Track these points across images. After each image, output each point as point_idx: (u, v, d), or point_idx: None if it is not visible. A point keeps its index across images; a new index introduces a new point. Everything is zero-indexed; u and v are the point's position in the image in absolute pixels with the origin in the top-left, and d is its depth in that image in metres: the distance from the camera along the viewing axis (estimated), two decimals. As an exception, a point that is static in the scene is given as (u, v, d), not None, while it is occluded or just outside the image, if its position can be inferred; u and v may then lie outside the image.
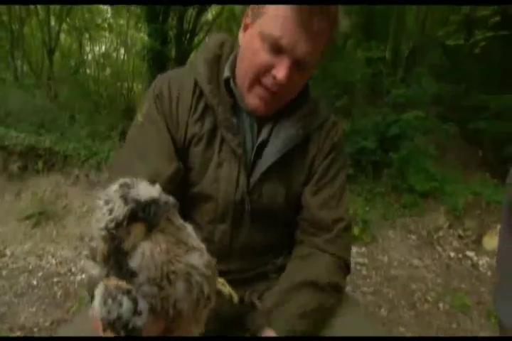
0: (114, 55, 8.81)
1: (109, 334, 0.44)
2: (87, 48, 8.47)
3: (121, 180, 0.45)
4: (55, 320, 1.90)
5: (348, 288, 2.22)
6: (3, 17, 6.74)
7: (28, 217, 2.84)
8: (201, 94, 0.80)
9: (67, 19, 7.52)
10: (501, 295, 0.90)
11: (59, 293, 2.13)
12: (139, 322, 0.43)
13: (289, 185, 0.85)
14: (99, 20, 8.44)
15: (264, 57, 0.72)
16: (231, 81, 0.81)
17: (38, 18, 7.05)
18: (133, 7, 5.62)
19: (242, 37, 0.78)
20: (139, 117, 0.82)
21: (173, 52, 5.08)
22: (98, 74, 8.24)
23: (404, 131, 3.47)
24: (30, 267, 2.45)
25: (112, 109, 5.56)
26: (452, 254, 2.78)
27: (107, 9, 8.25)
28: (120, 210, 0.42)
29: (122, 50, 8.67)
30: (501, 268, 0.91)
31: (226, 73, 0.81)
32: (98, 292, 0.44)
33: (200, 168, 0.81)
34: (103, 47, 8.77)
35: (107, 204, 0.43)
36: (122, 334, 0.43)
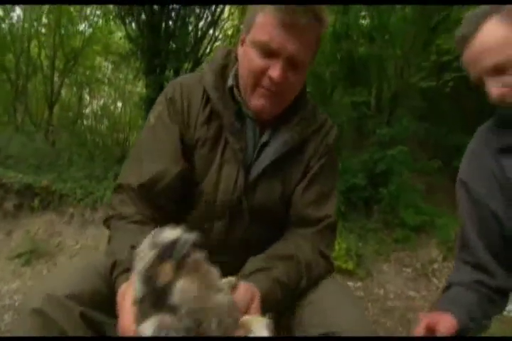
0: (112, 107, 9.41)
1: None
2: (86, 101, 9.09)
3: (152, 232, 0.54)
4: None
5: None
6: (10, 74, 7.33)
7: (19, 255, 2.89)
8: (208, 100, 0.89)
9: (70, 75, 8.18)
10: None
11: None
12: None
13: (285, 184, 0.91)
14: (100, 75, 9.17)
15: (258, 62, 0.81)
16: (235, 89, 0.89)
17: (43, 74, 7.67)
18: (132, 61, 6.20)
19: (240, 50, 0.88)
20: (151, 119, 0.92)
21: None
22: (95, 126, 8.70)
23: (391, 167, 3.69)
24: (16, 304, 2.44)
25: (107, 157, 5.81)
26: (448, 285, 2.82)
27: (107, 65, 9.02)
28: (148, 255, 0.51)
29: (119, 104, 9.30)
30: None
31: (230, 82, 0.90)
32: (150, 324, 0.51)
33: (203, 168, 0.89)
34: (101, 101, 9.40)
35: (139, 252, 0.53)
36: None
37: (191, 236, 0.53)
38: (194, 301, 0.51)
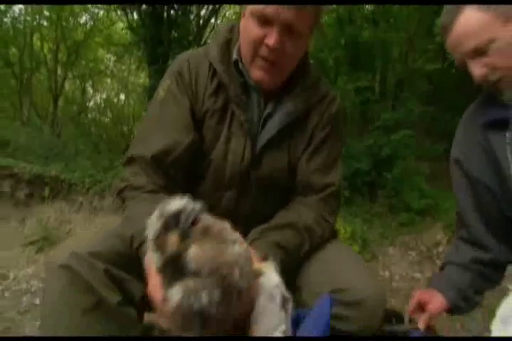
0: (115, 100, 9.46)
1: (185, 324, 0.55)
2: (90, 94, 9.16)
3: (162, 202, 0.55)
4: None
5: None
6: (14, 68, 7.41)
7: (32, 243, 2.99)
8: (215, 73, 0.91)
9: (73, 68, 8.24)
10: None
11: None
12: (212, 310, 0.53)
13: (291, 153, 0.93)
14: (102, 67, 9.21)
15: (255, 30, 0.83)
16: (239, 62, 0.91)
17: (47, 67, 7.74)
18: (135, 51, 6.23)
19: (241, 23, 0.91)
20: (161, 92, 0.93)
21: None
22: (99, 118, 8.78)
23: (395, 151, 3.71)
24: (33, 289, 2.54)
25: (112, 147, 5.89)
26: (452, 265, 2.87)
27: (110, 57, 9.05)
28: (156, 224, 0.53)
29: (122, 96, 9.34)
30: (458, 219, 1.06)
31: (235, 55, 0.92)
32: (176, 291, 0.52)
33: (212, 140, 0.90)
34: (105, 94, 9.45)
35: (149, 223, 0.55)
36: (198, 324, 0.54)
37: (196, 206, 0.55)
38: (212, 261, 0.53)
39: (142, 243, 0.71)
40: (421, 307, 1.01)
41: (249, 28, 0.85)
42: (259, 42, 0.84)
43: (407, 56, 4.49)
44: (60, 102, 7.89)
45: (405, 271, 2.87)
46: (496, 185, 0.97)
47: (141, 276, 0.72)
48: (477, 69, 0.89)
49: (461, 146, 1.03)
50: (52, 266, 0.73)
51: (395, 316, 1.34)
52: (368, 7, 5.25)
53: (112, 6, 6.52)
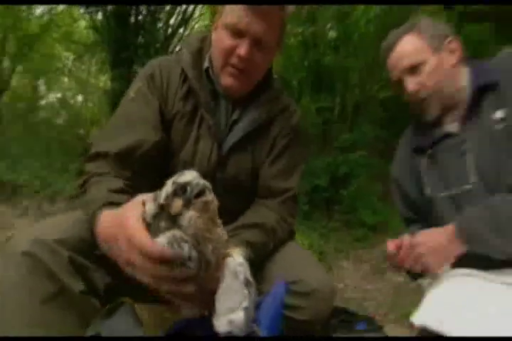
0: (72, 101, 8.97)
1: (163, 267, 0.59)
2: (42, 92, 8.59)
3: (180, 172, 0.63)
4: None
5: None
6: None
7: (-32, 247, 2.72)
8: (186, 78, 0.98)
9: (23, 61, 7.68)
10: None
11: None
12: (191, 264, 0.60)
13: (254, 158, 1.01)
14: (60, 65, 8.73)
15: (228, 42, 0.92)
16: (210, 70, 0.99)
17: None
18: (97, 52, 6.02)
19: (214, 35, 0.99)
20: (131, 93, 0.97)
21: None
22: (52, 119, 8.25)
23: (352, 170, 3.94)
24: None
25: (67, 150, 5.57)
26: (401, 279, 3.05)
27: (68, 56, 8.64)
28: (167, 190, 0.61)
29: (80, 97, 8.88)
30: None
31: (206, 64, 1.00)
32: (165, 237, 0.59)
33: (180, 141, 0.96)
34: (60, 93, 8.93)
35: (163, 188, 0.62)
36: (177, 270, 0.60)
37: (203, 182, 0.62)
38: (197, 227, 0.61)
39: (101, 206, 0.72)
40: (397, 247, 1.04)
41: (222, 39, 0.93)
42: (230, 52, 0.93)
43: (364, 82, 4.84)
44: (6, 98, 7.32)
45: (358, 282, 3.02)
46: (420, 202, 1.16)
47: (106, 266, 0.74)
48: (411, 86, 1.07)
49: (398, 167, 1.22)
50: (14, 253, 0.70)
51: (347, 312, 1.47)
52: (332, 34, 5.61)
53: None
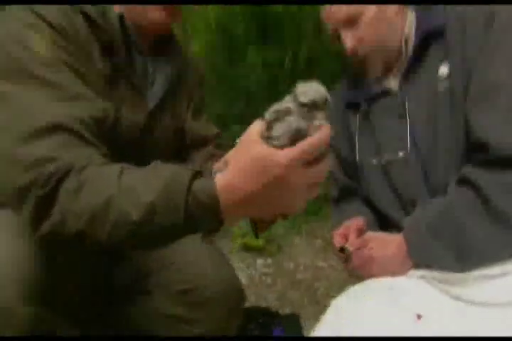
0: None
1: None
2: None
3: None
4: None
5: (252, 298, 2.21)
6: None
7: None
8: (96, 29, 0.84)
9: None
10: None
11: None
12: (303, 132, 0.67)
13: (175, 116, 1.05)
14: None
15: None
16: (124, 18, 0.89)
17: None
18: None
19: None
20: (41, 50, 0.76)
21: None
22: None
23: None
24: None
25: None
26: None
27: None
28: (288, 100, 0.71)
29: None
30: None
31: (117, 10, 0.89)
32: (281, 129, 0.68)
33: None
34: None
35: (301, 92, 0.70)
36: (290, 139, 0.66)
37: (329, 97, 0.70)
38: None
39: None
40: (345, 237, 1.07)
41: None
42: None
43: (320, 33, 4.43)
44: None
45: (310, 260, 2.83)
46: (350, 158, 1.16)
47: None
48: (348, 41, 1.01)
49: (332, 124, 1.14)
50: None
51: (266, 314, 1.50)
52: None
53: None
